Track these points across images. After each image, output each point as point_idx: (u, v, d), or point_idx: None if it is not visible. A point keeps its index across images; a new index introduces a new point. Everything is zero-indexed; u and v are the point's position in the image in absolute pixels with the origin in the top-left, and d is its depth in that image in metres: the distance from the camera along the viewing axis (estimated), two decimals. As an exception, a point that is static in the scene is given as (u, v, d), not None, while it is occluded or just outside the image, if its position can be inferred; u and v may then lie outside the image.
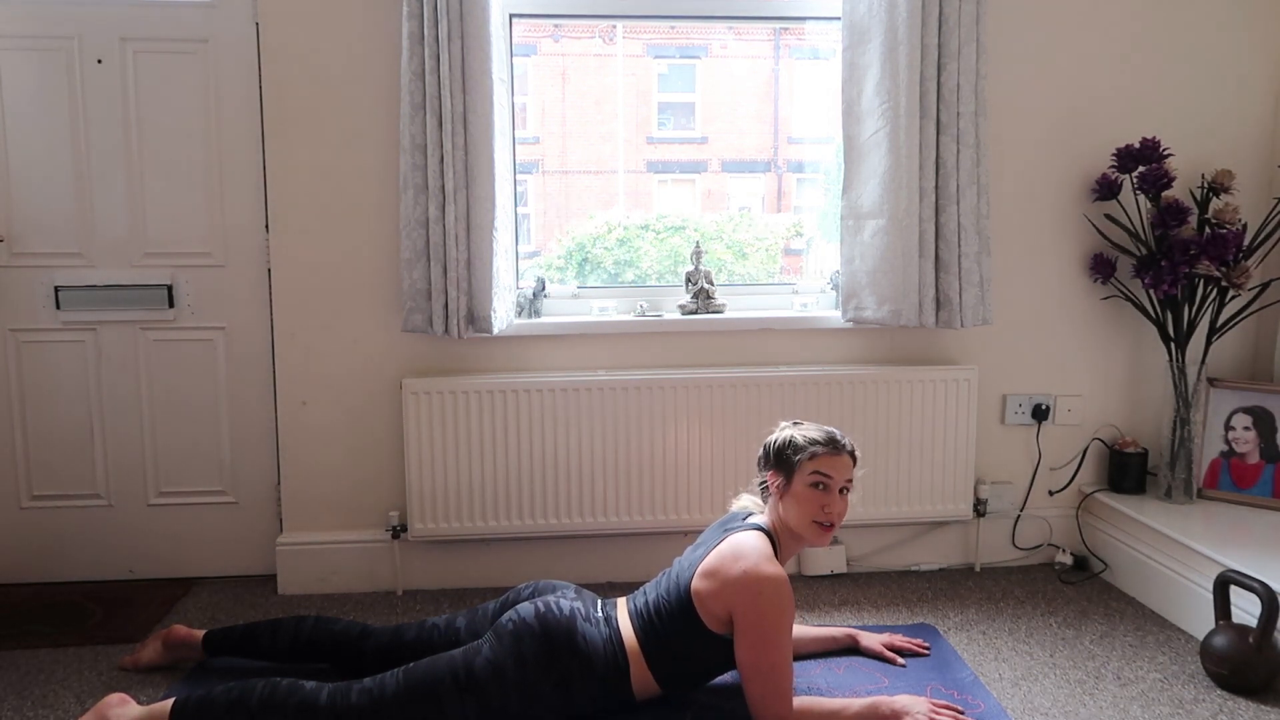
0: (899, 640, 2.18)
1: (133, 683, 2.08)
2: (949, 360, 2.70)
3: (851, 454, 1.88)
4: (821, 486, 1.83)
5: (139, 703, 1.82)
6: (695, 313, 2.63)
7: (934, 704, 1.83)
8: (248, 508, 2.70)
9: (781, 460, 1.88)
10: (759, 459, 1.96)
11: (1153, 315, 2.62)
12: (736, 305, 2.72)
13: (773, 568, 1.75)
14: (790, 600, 1.75)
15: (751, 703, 1.76)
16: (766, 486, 1.94)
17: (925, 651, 2.16)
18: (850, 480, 1.87)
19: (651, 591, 1.90)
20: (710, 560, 1.81)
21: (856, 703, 1.79)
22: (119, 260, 2.58)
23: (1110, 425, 2.80)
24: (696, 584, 1.80)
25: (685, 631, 1.80)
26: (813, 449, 1.84)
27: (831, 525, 1.84)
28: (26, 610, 2.48)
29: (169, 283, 2.59)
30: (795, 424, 1.95)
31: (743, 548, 1.79)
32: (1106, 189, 2.60)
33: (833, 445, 1.85)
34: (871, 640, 2.16)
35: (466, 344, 2.58)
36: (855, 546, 2.73)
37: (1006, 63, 2.61)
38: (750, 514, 1.98)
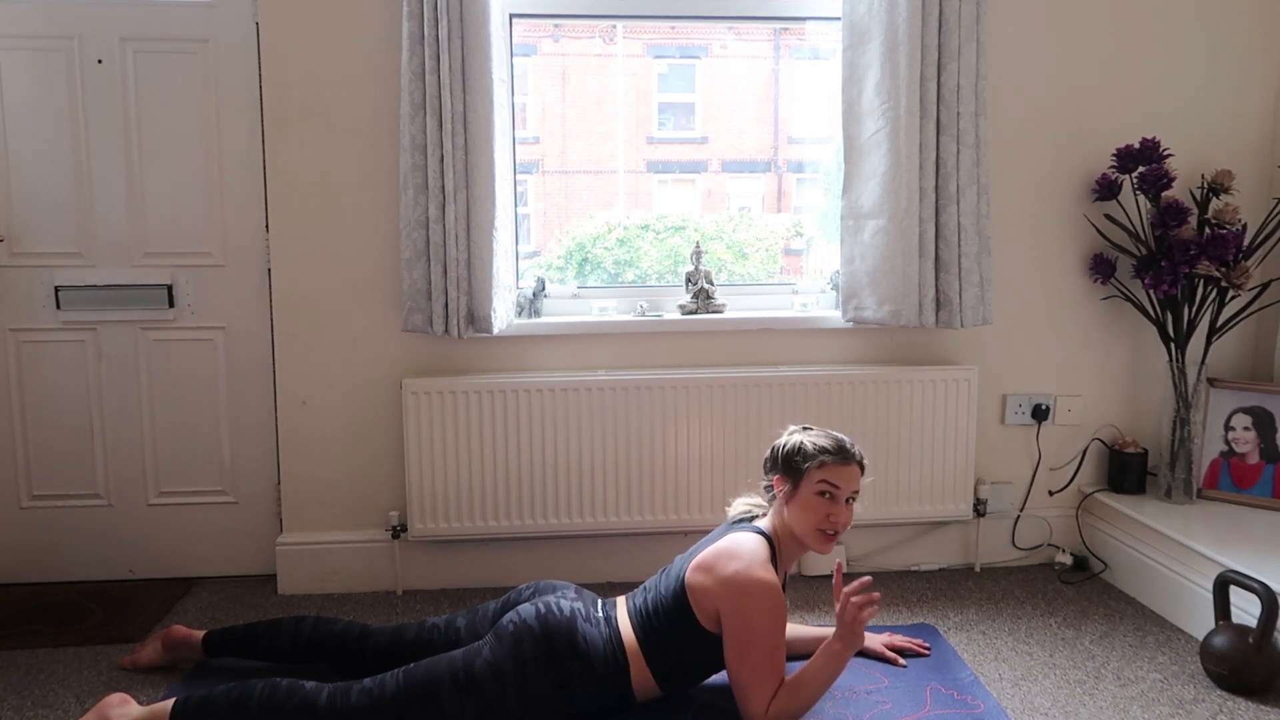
0: (899, 640, 2.18)
1: (133, 683, 2.08)
2: (949, 360, 2.70)
3: (860, 463, 1.87)
4: (828, 495, 1.82)
5: (139, 703, 1.82)
6: (695, 313, 2.63)
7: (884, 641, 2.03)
8: (248, 508, 2.70)
9: (790, 466, 1.86)
10: (766, 462, 1.94)
11: (1153, 315, 2.62)
12: (736, 305, 2.72)
13: (765, 573, 1.75)
14: (780, 607, 1.75)
15: (739, 703, 1.77)
16: (771, 489, 1.92)
17: (925, 651, 2.16)
18: (857, 491, 1.85)
19: (651, 590, 1.90)
20: (706, 555, 1.81)
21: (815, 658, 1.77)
22: (119, 260, 2.57)
23: (1110, 425, 2.80)
24: (690, 576, 1.80)
25: (680, 625, 1.80)
26: (822, 457, 1.83)
27: (835, 534, 1.83)
28: (26, 610, 2.48)
29: (169, 283, 2.59)
30: (805, 429, 1.92)
31: (739, 548, 1.79)
32: (1106, 189, 2.60)
33: (842, 455, 1.84)
34: (872, 640, 2.16)
35: (466, 344, 2.58)
36: (855, 546, 2.73)
37: (1006, 63, 2.61)
38: (755, 516, 1.97)
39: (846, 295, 2.57)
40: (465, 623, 1.99)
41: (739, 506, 2.03)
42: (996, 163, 2.63)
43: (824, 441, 1.85)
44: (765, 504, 1.98)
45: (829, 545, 1.84)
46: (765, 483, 1.95)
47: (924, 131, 2.41)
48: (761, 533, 1.86)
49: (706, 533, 2.04)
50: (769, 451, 1.94)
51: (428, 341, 2.58)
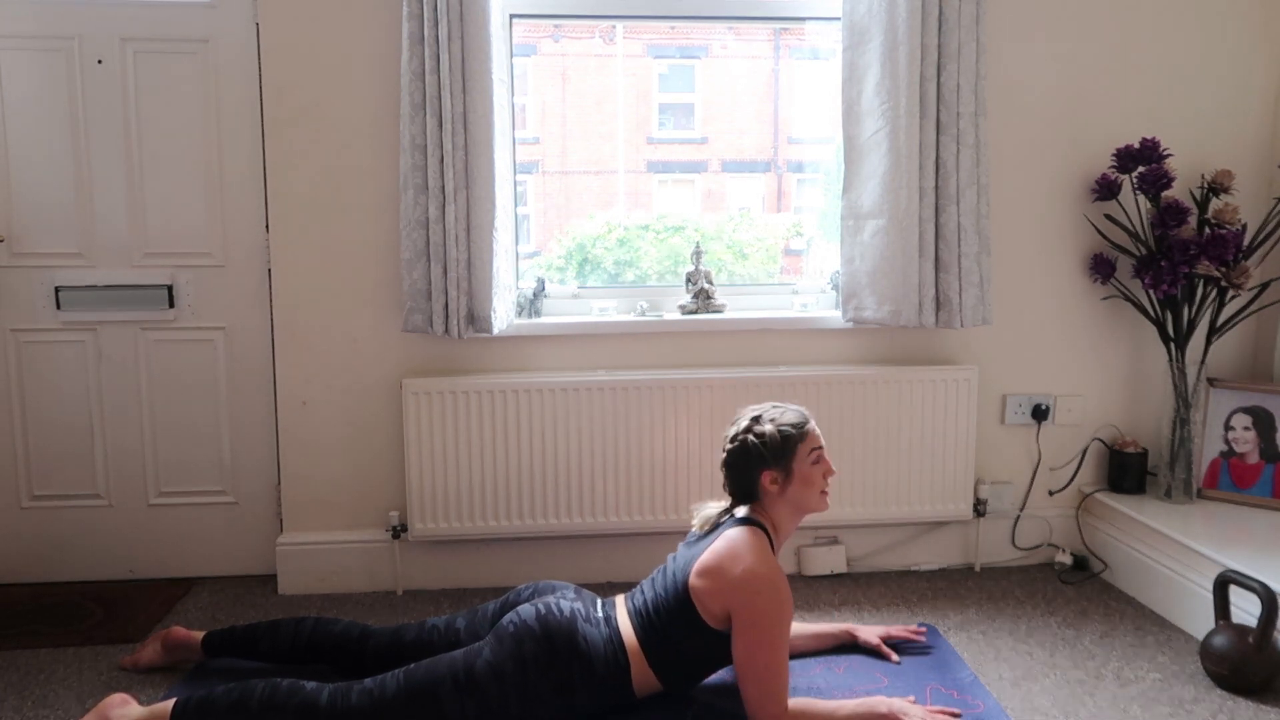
0: (895, 630, 2.18)
1: (133, 683, 2.08)
2: (949, 360, 2.70)
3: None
4: (818, 459, 1.89)
5: (140, 703, 1.82)
6: (695, 313, 2.63)
7: (931, 711, 1.84)
8: (248, 508, 2.70)
9: (779, 454, 1.85)
10: (743, 463, 1.87)
11: (1153, 315, 2.62)
12: (736, 305, 2.72)
13: (770, 569, 1.76)
14: (788, 600, 1.77)
15: (747, 702, 1.76)
16: (753, 490, 1.88)
17: (921, 638, 2.17)
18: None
19: (649, 590, 1.90)
20: (708, 559, 1.81)
21: (850, 703, 1.80)
22: (119, 260, 2.58)
23: (1110, 425, 2.80)
24: (694, 581, 1.80)
25: (684, 627, 1.80)
26: (802, 429, 1.88)
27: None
28: (26, 610, 2.48)
29: (169, 283, 2.59)
30: (756, 420, 1.89)
31: (740, 547, 1.79)
32: (1106, 189, 2.60)
33: (807, 417, 1.91)
34: (868, 633, 2.16)
35: (466, 344, 2.58)
36: (855, 546, 2.73)
37: (1006, 63, 2.61)
38: (739, 511, 1.92)
39: (846, 295, 2.57)
40: (465, 623, 1.99)
41: (707, 513, 1.95)
42: (996, 163, 2.63)
43: (791, 416, 1.89)
44: (745, 509, 1.91)
45: (827, 500, 1.93)
46: (745, 480, 1.88)
47: (924, 131, 2.41)
48: (751, 522, 1.85)
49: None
50: (745, 454, 1.86)
51: (428, 341, 2.58)
